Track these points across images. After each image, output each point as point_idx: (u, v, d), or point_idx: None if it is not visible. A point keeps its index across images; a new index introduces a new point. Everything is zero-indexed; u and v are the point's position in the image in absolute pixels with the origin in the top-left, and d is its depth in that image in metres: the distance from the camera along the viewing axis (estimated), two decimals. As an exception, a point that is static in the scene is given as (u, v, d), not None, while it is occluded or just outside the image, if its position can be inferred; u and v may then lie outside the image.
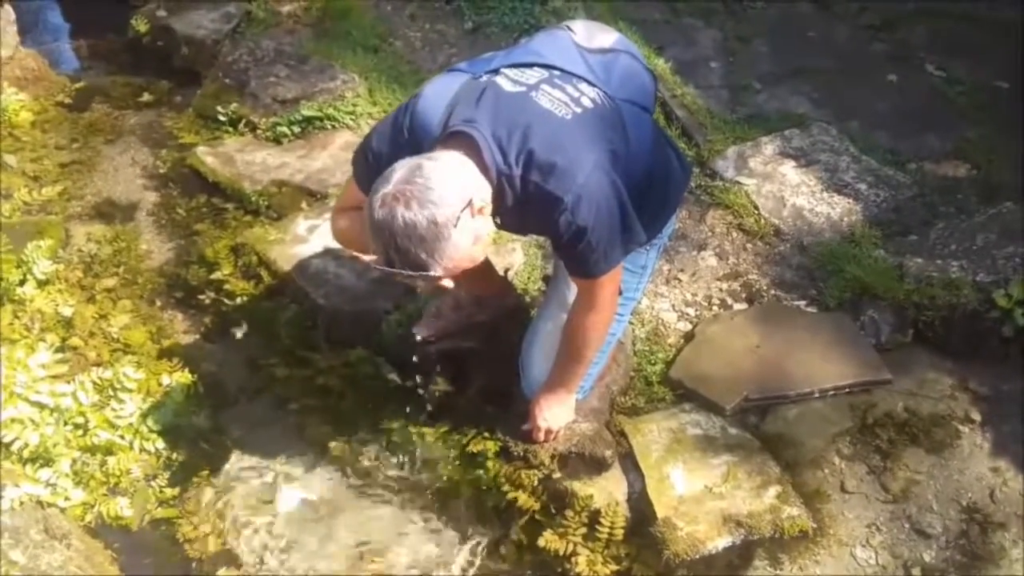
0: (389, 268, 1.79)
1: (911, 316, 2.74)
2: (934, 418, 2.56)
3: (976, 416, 2.58)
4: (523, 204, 1.92)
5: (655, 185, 2.15)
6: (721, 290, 2.92)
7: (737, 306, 2.87)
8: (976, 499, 2.42)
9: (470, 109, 1.91)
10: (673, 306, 2.87)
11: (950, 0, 4.30)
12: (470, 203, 1.80)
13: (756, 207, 3.17)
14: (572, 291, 2.24)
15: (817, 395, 2.57)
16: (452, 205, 1.76)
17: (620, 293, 2.23)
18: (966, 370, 2.68)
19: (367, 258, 1.83)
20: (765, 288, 2.91)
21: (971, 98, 3.72)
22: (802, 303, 2.86)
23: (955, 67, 3.87)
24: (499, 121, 1.88)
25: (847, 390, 2.59)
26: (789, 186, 3.24)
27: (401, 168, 1.79)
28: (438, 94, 1.99)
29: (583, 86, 2.00)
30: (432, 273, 1.79)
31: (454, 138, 1.88)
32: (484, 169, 1.86)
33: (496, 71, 2.01)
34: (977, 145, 3.45)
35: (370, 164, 1.99)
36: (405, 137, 1.98)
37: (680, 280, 2.95)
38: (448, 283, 1.87)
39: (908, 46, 4.03)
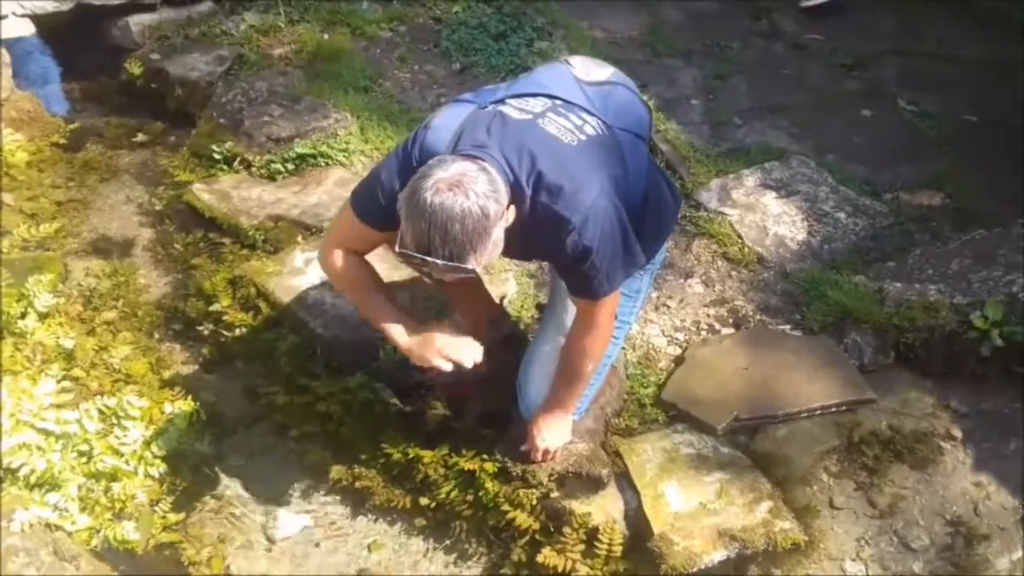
0: (423, 255, 1.84)
1: (892, 338, 2.83)
2: (917, 435, 2.63)
3: (957, 433, 2.66)
4: (531, 225, 2.00)
5: (649, 210, 2.24)
6: (709, 316, 3.01)
7: (725, 331, 2.95)
8: (960, 513, 2.49)
9: (479, 134, 1.99)
10: (663, 331, 2.95)
11: (918, 39, 4.48)
12: (507, 208, 1.90)
13: (740, 236, 3.27)
14: (569, 316, 2.32)
15: (804, 415, 2.65)
16: (500, 203, 1.87)
17: (616, 316, 2.31)
18: (946, 389, 2.76)
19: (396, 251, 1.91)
20: (751, 313, 3.00)
21: (942, 131, 3.86)
22: (787, 327, 2.95)
23: (926, 102, 4.02)
24: (508, 145, 1.97)
25: (833, 409, 2.66)
26: (771, 216, 3.35)
27: (452, 162, 1.87)
28: (445, 123, 2.08)
29: (585, 115, 2.10)
30: (467, 265, 1.85)
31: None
32: None
33: (501, 101, 2.11)
34: (949, 176, 3.57)
35: (385, 200, 2.05)
36: (414, 166, 2.04)
37: (669, 307, 3.04)
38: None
39: (880, 83, 4.19)
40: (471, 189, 1.82)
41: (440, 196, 1.81)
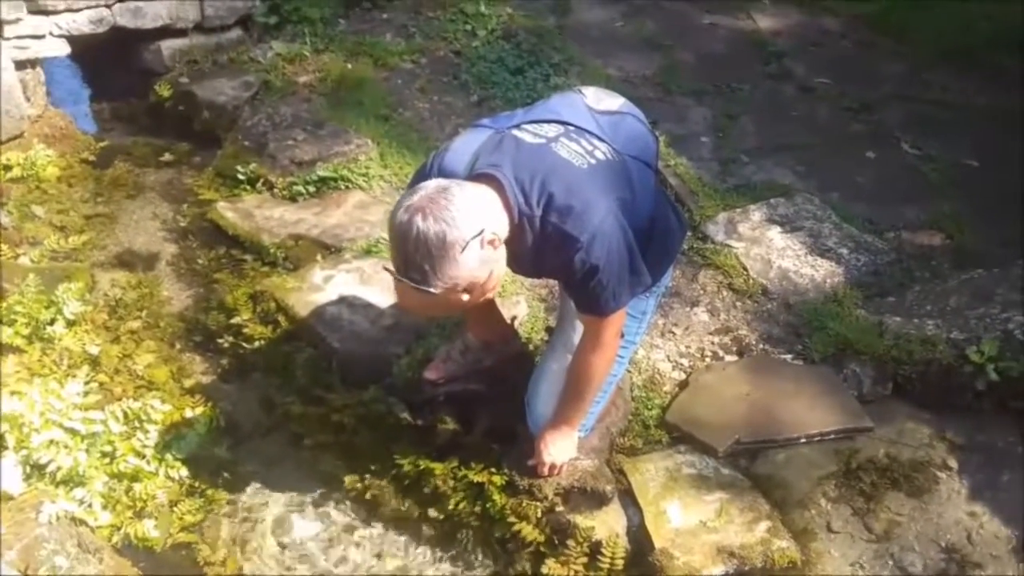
0: (397, 274, 1.97)
1: (890, 370, 2.90)
2: (913, 464, 2.69)
3: (953, 464, 2.71)
4: (541, 244, 2.11)
5: (656, 234, 2.34)
6: (713, 343, 3.09)
7: (728, 358, 3.04)
8: (955, 540, 2.54)
9: (495, 156, 2.11)
10: (668, 357, 3.04)
11: (923, 87, 4.62)
12: (482, 232, 1.96)
13: (745, 268, 3.36)
14: (577, 335, 2.41)
15: (804, 440, 2.72)
16: (464, 229, 1.93)
17: (622, 336, 2.40)
18: (943, 421, 2.81)
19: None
20: (754, 342, 3.09)
21: (944, 175, 3.95)
22: (789, 356, 3.03)
23: (929, 146, 4.12)
24: (521, 167, 2.08)
25: (832, 436, 2.73)
26: (775, 250, 3.45)
27: (431, 185, 1.98)
28: (464, 146, 2.20)
29: (595, 141, 2.22)
30: (429, 288, 1.95)
31: (480, 179, 2.07)
32: (507, 208, 2.06)
33: (517, 126, 2.22)
34: (950, 217, 3.66)
35: None
36: None
37: (674, 333, 3.13)
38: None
39: (885, 126, 4.30)
40: (433, 214, 1.90)
41: (405, 217, 1.92)
